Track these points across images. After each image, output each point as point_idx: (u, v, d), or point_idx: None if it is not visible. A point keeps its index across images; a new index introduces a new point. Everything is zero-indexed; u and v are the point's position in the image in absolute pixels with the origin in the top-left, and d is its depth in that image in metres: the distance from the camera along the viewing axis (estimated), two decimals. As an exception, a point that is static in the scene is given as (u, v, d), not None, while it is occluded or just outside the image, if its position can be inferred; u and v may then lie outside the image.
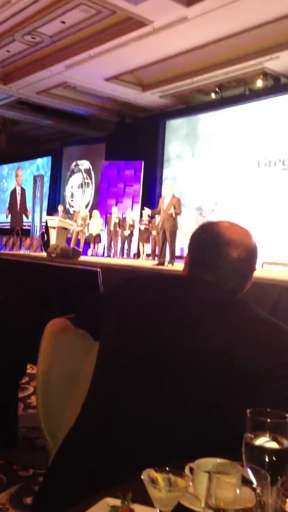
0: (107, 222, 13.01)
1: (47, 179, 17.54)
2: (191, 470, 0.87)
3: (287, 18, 8.49)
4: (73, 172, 17.18)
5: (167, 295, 1.19)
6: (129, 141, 14.30)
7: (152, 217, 11.60)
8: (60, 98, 13.71)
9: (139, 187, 14.26)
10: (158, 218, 10.31)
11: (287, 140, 11.08)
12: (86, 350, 1.47)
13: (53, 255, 8.76)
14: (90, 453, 1.06)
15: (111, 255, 12.66)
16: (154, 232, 11.48)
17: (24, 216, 18.75)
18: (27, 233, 16.45)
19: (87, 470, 1.04)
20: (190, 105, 13.46)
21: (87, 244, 12.89)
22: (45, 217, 14.42)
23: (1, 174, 20.80)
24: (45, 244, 12.72)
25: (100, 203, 14.94)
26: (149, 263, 9.18)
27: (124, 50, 10.10)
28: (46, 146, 18.37)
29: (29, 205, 17.89)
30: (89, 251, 12.79)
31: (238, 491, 0.67)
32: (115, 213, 12.82)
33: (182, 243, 10.20)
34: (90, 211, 13.49)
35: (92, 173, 16.52)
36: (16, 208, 19.49)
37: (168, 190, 9.02)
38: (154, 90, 12.36)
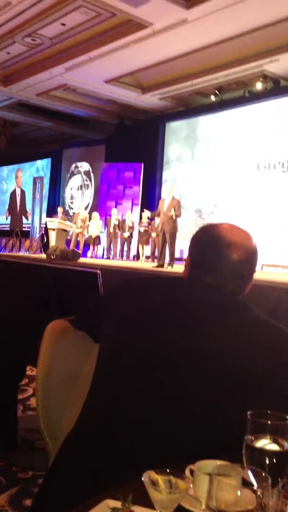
0: (106, 224, 13.01)
1: (46, 181, 17.55)
2: (192, 472, 0.87)
3: (287, 20, 8.51)
4: (72, 174, 17.19)
5: (167, 297, 1.19)
6: (129, 143, 14.31)
7: (151, 219, 11.61)
8: (60, 100, 13.73)
9: (138, 189, 14.27)
10: (157, 220, 10.31)
11: (287, 143, 11.09)
12: (86, 352, 1.47)
13: (52, 257, 8.76)
14: (90, 454, 1.06)
15: (111, 257, 12.66)
16: (153, 234, 11.48)
17: (24, 217, 18.75)
18: (26, 234, 16.45)
19: (87, 471, 1.04)
20: (190, 107, 13.47)
21: (86, 246, 12.89)
22: (44, 219, 14.42)
23: (0, 175, 20.80)
24: (45, 246, 12.72)
25: (99, 205, 14.94)
26: (149, 265, 9.17)
27: (124, 52, 10.12)
28: (46, 148, 18.38)
29: (28, 206, 17.89)
30: (89, 253, 12.78)
31: (239, 493, 0.67)
32: (115, 215, 12.83)
33: (182, 245, 10.21)
34: (90, 213, 13.49)
35: (92, 175, 16.53)
36: (16, 210, 19.49)
37: (168, 192, 9.02)
38: (154, 92, 12.37)
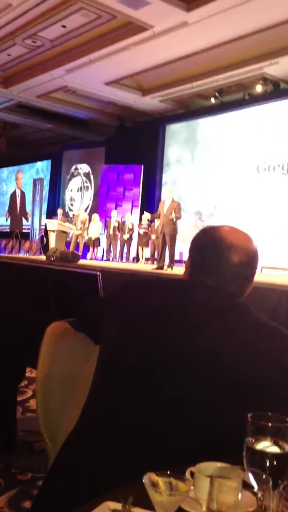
0: (106, 225, 13.01)
1: (46, 183, 17.56)
2: (192, 474, 0.87)
3: (286, 23, 8.53)
4: (72, 176, 17.20)
5: (168, 299, 1.19)
6: (129, 145, 14.33)
7: (151, 221, 11.61)
8: (60, 102, 13.74)
9: (138, 191, 14.28)
10: (157, 222, 10.31)
11: (287, 145, 11.10)
12: (86, 354, 1.47)
13: (52, 259, 8.76)
14: (91, 456, 1.06)
15: (110, 258, 12.66)
16: (153, 236, 11.48)
17: (24, 219, 18.75)
18: (26, 236, 16.45)
19: (87, 473, 1.04)
20: (190, 110, 13.49)
21: (86, 248, 12.89)
22: (44, 220, 14.42)
23: (0, 177, 20.81)
24: (44, 248, 12.72)
25: (99, 207, 14.95)
26: (148, 267, 9.18)
27: (124, 54, 10.14)
28: (46, 149, 18.39)
29: (28, 208, 17.90)
30: (88, 255, 12.78)
31: (239, 495, 0.67)
32: (115, 217, 12.83)
33: (181, 247, 10.21)
34: (90, 215, 13.50)
35: (92, 176, 16.54)
36: (16, 211, 19.50)
37: (168, 194, 9.02)
38: (154, 94, 12.40)
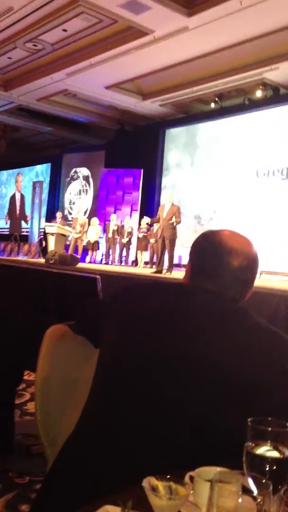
0: (105, 229, 13.02)
1: (46, 186, 17.56)
2: (191, 478, 0.87)
3: (287, 29, 8.57)
4: (72, 179, 17.21)
5: (168, 302, 1.19)
6: (129, 149, 14.35)
7: (150, 225, 11.63)
8: (60, 105, 13.77)
9: (138, 195, 14.29)
10: (156, 226, 10.32)
11: (286, 150, 11.13)
12: (85, 357, 1.47)
13: (51, 261, 8.77)
14: (90, 459, 1.06)
15: (109, 262, 12.66)
16: (152, 240, 11.49)
17: (23, 222, 18.75)
18: (25, 239, 16.45)
19: (87, 476, 1.04)
20: (190, 114, 13.52)
21: (85, 251, 12.89)
22: (43, 223, 14.42)
23: (0, 180, 20.82)
24: (43, 251, 12.72)
25: (98, 210, 14.96)
26: (147, 271, 9.18)
27: (125, 58, 10.17)
28: (46, 152, 18.41)
29: (27, 211, 17.90)
30: (87, 258, 12.79)
31: (240, 500, 0.67)
32: (114, 221, 12.84)
33: (180, 251, 10.22)
34: (89, 218, 13.51)
35: (91, 180, 16.55)
36: (15, 214, 19.49)
37: (168, 198, 9.04)
38: (154, 98, 12.43)
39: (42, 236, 14.24)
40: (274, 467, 0.77)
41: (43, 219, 15.88)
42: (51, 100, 13.32)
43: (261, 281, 6.70)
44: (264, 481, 0.72)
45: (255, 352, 1.06)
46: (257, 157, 11.76)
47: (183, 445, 1.02)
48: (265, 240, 10.29)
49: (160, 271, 8.39)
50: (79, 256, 10.94)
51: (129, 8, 8.33)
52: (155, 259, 10.38)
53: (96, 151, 16.31)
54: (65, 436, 1.19)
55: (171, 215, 8.51)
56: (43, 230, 13.74)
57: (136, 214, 13.91)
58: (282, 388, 1.03)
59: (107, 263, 12.57)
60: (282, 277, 9.41)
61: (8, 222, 19.79)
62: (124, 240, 12.64)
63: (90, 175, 16.58)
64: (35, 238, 15.50)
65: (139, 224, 12.66)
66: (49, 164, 18.30)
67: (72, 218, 15.89)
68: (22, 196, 19.32)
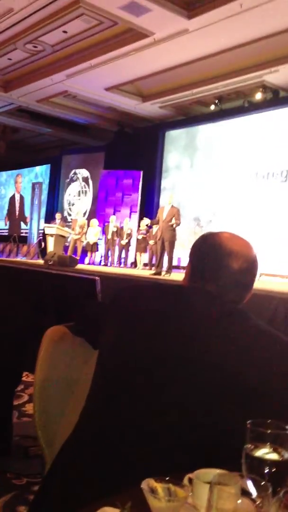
0: (104, 230, 13.02)
1: (45, 187, 17.55)
2: (190, 480, 0.87)
3: (287, 32, 8.58)
4: (71, 180, 17.21)
5: (167, 304, 1.19)
6: (128, 151, 14.36)
7: (149, 226, 11.63)
8: (60, 106, 13.78)
9: (137, 196, 14.29)
10: (155, 228, 10.32)
11: (286, 153, 11.15)
12: (84, 358, 1.47)
13: (50, 263, 8.76)
14: (89, 460, 1.06)
15: (108, 264, 12.66)
16: (151, 242, 11.50)
17: (22, 223, 18.75)
18: (24, 240, 16.44)
19: (85, 477, 1.04)
20: (190, 116, 13.54)
21: (84, 253, 12.89)
22: (43, 224, 14.42)
23: (-1, 180, 20.83)
24: (42, 252, 12.72)
25: (98, 212, 14.96)
26: (146, 273, 9.18)
27: (125, 60, 10.18)
28: (46, 154, 18.42)
29: (27, 212, 17.90)
30: (86, 260, 12.78)
31: (239, 502, 0.67)
32: (113, 222, 12.84)
33: (179, 253, 10.22)
34: (88, 220, 13.51)
35: (90, 181, 16.55)
36: (15, 215, 19.49)
37: (168, 200, 9.04)
38: (154, 100, 12.44)
39: (41, 237, 14.24)
40: (273, 470, 0.77)
41: (42, 220, 15.88)
42: (51, 101, 13.33)
43: (260, 283, 6.70)
44: (263, 483, 0.72)
45: (255, 354, 1.06)
46: (256, 159, 11.77)
47: (182, 447, 1.02)
48: (265, 242, 10.30)
49: (159, 273, 8.39)
50: (78, 258, 10.94)
51: (129, 10, 8.35)
52: (154, 261, 10.38)
53: (96, 152, 16.32)
54: (63, 438, 1.19)
55: (170, 217, 8.51)
56: (42, 231, 13.74)
57: (136, 216, 13.92)
58: (281, 391, 1.03)
59: (106, 265, 12.56)
60: (281, 279, 9.42)
61: (7, 223, 19.78)
62: (123, 242, 12.64)
63: (89, 176, 16.59)
64: (34, 239, 15.50)
65: (139, 225, 12.67)
66: (48, 165, 18.30)
67: (71, 219, 15.89)
68: (22, 197, 19.31)
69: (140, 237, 12.30)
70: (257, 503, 0.70)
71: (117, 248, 12.82)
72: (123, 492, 0.82)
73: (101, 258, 13.47)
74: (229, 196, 12.17)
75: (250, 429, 0.82)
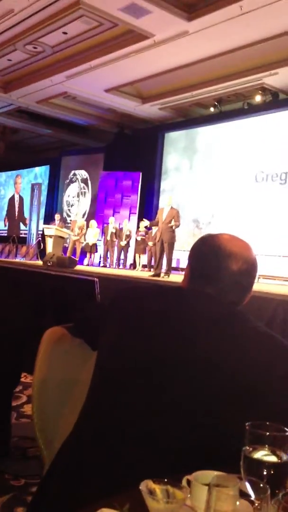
0: (104, 232, 13.02)
1: (44, 188, 17.56)
2: (189, 482, 0.87)
3: (286, 35, 8.60)
4: (71, 182, 17.22)
5: (166, 306, 1.19)
6: (128, 152, 14.37)
7: (149, 228, 11.63)
8: (60, 107, 13.79)
9: (136, 198, 14.30)
10: (154, 229, 10.33)
11: (285, 155, 11.16)
12: (83, 360, 1.47)
13: (49, 264, 8.76)
14: (87, 461, 1.06)
15: (107, 265, 12.66)
16: (150, 243, 11.50)
17: (22, 224, 18.75)
18: (23, 241, 16.43)
19: (84, 479, 1.04)
20: (189, 118, 13.56)
21: (83, 254, 12.89)
22: (42, 225, 14.42)
23: (-1, 181, 20.83)
24: (41, 253, 12.72)
25: (97, 213, 14.96)
26: (145, 274, 9.18)
27: (124, 62, 10.19)
28: (45, 155, 18.42)
29: (26, 213, 17.90)
30: (85, 261, 12.78)
31: (237, 503, 0.67)
32: (112, 223, 12.85)
33: (178, 255, 10.22)
34: (87, 221, 13.51)
35: (89, 182, 16.56)
36: (14, 216, 19.48)
37: (167, 201, 9.04)
38: (154, 102, 12.45)
39: (40, 238, 14.24)
40: (272, 472, 0.78)
41: (41, 221, 15.89)
42: (50, 102, 13.34)
43: (259, 285, 6.71)
44: (261, 485, 0.72)
45: (254, 356, 1.06)
46: (255, 161, 11.78)
47: (180, 448, 1.02)
48: (263, 244, 10.31)
49: (158, 274, 8.39)
50: (77, 259, 10.94)
51: (129, 12, 8.36)
52: (153, 262, 10.38)
53: (95, 153, 16.32)
54: (62, 439, 1.19)
55: (170, 219, 8.52)
56: (41, 232, 13.74)
57: (135, 217, 13.92)
58: (280, 393, 1.03)
59: (105, 266, 12.56)
60: (280, 282, 9.42)
61: (7, 224, 19.78)
62: (123, 243, 12.64)
63: (88, 177, 16.59)
64: (33, 240, 15.50)
65: (138, 227, 12.67)
66: (48, 166, 18.31)
67: (70, 220, 15.90)
68: (21, 198, 19.31)
69: (139, 238, 12.31)
70: (256, 505, 0.70)
71: (116, 250, 12.82)
72: (122, 494, 0.82)
73: (100, 259, 13.47)
74: (228, 198, 12.18)
75: (248, 431, 0.82)
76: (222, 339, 1.08)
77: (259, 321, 1.16)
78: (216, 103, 12.08)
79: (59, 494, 1.07)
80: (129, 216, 14.02)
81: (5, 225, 19.76)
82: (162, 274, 8.44)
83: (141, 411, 1.05)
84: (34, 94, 12.66)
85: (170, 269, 8.66)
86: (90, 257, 12.90)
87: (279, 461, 0.79)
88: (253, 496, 0.72)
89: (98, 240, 13.04)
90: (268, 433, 0.81)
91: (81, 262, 12.00)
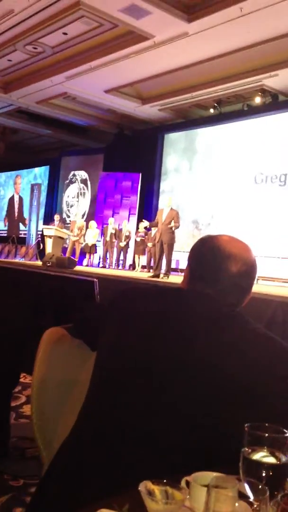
0: (103, 232, 13.02)
1: (44, 188, 17.56)
2: (188, 483, 0.87)
3: (286, 36, 8.61)
4: (70, 182, 17.22)
5: (166, 307, 1.19)
6: (127, 153, 14.37)
7: (148, 229, 11.63)
8: (59, 108, 13.79)
9: (136, 198, 14.30)
10: (154, 230, 10.33)
11: (284, 157, 11.17)
12: (82, 360, 1.47)
13: (48, 264, 8.76)
14: (87, 462, 1.06)
15: (107, 266, 12.66)
16: (149, 244, 11.50)
17: (21, 224, 18.74)
18: (23, 241, 16.42)
19: (83, 479, 1.04)
20: (189, 119, 13.56)
21: (82, 254, 12.88)
22: (41, 226, 14.42)
23: (-1, 182, 20.82)
24: (41, 253, 12.71)
25: (96, 214, 14.96)
26: (145, 275, 9.18)
27: (124, 63, 10.20)
28: (45, 155, 18.43)
29: (26, 213, 17.89)
30: (85, 261, 12.78)
31: (236, 505, 0.67)
32: (112, 224, 12.85)
33: (178, 256, 10.23)
34: (87, 221, 13.51)
35: (89, 183, 16.56)
36: (14, 216, 19.48)
37: (167, 202, 9.04)
38: (154, 103, 12.46)
39: (39, 239, 14.24)
40: (271, 473, 0.78)
41: (41, 222, 15.88)
42: (50, 103, 13.34)
43: (258, 287, 6.71)
44: (260, 486, 0.73)
45: (253, 358, 1.06)
46: (255, 163, 11.79)
47: (180, 448, 1.02)
48: (262, 246, 10.31)
49: (157, 275, 8.39)
50: (76, 259, 10.94)
51: (129, 13, 8.36)
52: (152, 263, 10.38)
53: (95, 154, 16.33)
54: (61, 439, 1.19)
55: (170, 220, 8.52)
56: (40, 232, 13.74)
57: (134, 218, 13.92)
58: (279, 394, 1.03)
59: (104, 267, 12.57)
60: (279, 283, 9.42)
61: (7, 224, 19.77)
62: (122, 244, 12.64)
63: (88, 178, 16.59)
64: (33, 241, 15.49)
65: (137, 228, 12.67)
66: (47, 167, 18.31)
67: (70, 221, 15.90)
68: (21, 199, 19.31)
69: (138, 239, 12.31)
70: (255, 506, 0.70)
71: (115, 250, 12.82)
72: (121, 494, 0.82)
73: (99, 260, 13.47)
74: (227, 199, 12.19)
75: (247, 433, 0.82)
76: (221, 340, 1.09)
77: (258, 322, 1.16)
78: (215, 105, 12.09)
79: (58, 495, 1.07)
80: (129, 217, 14.02)
81: (5, 225, 19.76)
82: (161, 275, 8.44)
83: (141, 412, 1.05)
84: (34, 94, 12.66)
85: (169, 270, 8.66)
86: (90, 257, 12.89)
87: (278, 462, 0.79)
88: (252, 498, 0.73)
89: (97, 240, 13.04)
90: (267, 435, 0.81)
91: (80, 262, 11.99)
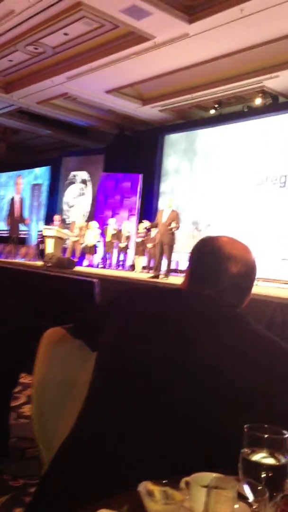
0: (103, 233, 13.02)
1: (45, 189, 17.55)
2: (187, 484, 0.87)
3: (287, 38, 8.61)
4: (71, 182, 17.21)
5: (166, 307, 1.19)
6: (128, 154, 14.36)
7: (148, 229, 11.63)
8: (60, 108, 13.79)
9: (136, 199, 14.30)
10: (154, 231, 10.33)
11: (284, 158, 11.17)
12: (83, 361, 1.47)
13: (48, 264, 8.76)
14: (86, 462, 1.06)
15: (107, 266, 12.66)
16: (149, 245, 11.49)
17: (22, 224, 18.71)
18: (23, 241, 16.41)
19: (82, 479, 1.04)
20: (189, 120, 13.56)
21: (82, 255, 12.88)
22: (42, 226, 14.42)
23: (-1, 182, 20.79)
24: (41, 253, 12.70)
25: (96, 214, 14.96)
26: (145, 276, 9.17)
27: (125, 63, 10.20)
28: (45, 155, 18.42)
29: (26, 214, 17.86)
30: (85, 262, 12.78)
31: (236, 505, 0.67)
32: (112, 225, 12.85)
33: (177, 257, 10.22)
34: (87, 222, 13.51)
35: (89, 183, 16.56)
36: (14, 217, 19.45)
37: (168, 203, 9.04)
38: (154, 104, 12.46)
39: (40, 239, 14.23)
40: (270, 474, 0.78)
41: (41, 222, 15.87)
42: (51, 103, 13.34)
43: (257, 288, 6.71)
44: (260, 487, 0.73)
45: (253, 359, 1.06)
46: (255, 164, 11.78)
47: (179, 450, 1.02)
48: (262, 247, 10.31)
49: (157, 276, 8.39)
50: (76, 260, 10.94)
51: (130, 14, 8.37)
52: (152, 264, 10.37)
53: (95, 155, 16.32)
54: (61, 439, 1.19)
55: (170, 221, 8.52)
56: (41, 233, 13.73)
57: (134, 219, 13.92)
58: (279, 396, 1.03)
59: (104, 267, 12.56)
60: (279, 285, 9.42)
61: (7, 224, 19.73)
62: (122, 245, 12.64)
63: (88, 178, 16.59)
64: (33, 241, 15.49)
65: (137, 228, 12.67)
66: (48, 167, 18.29)
67: (70, 221, 15.88)
68: (21, 199, 19.29)
69: (138, 240, 12.31)
70: (254, 507, 0.70)
71: (115, 251, 12.82)
72: (121, 494, 0.83)
73: (99, 260, 13.46)
74: (228, 200, 12.18)
75: (247, 434, 0.82)
76: (221, 341, 1.09)
77: (258, 324, 1.16)
78: (216, 106, 12.09)
79: (58, 495, 1.07)
80: (129, 218, 14.02)
81: (7, 225, 19.73)
82: (161, 276, 8.44)
83: (141, 412, 1.05)
84: (35, 95, 12.66)
85: (169, 271, 8.66)
86: (90, 258, 12.89)
87: (277, 463, 0.79)
88: (251, 499, 0.73)
89: (97, 241, 13.04)
90: (266, 436, 0.81)
91: (80, 263, 11.99)
